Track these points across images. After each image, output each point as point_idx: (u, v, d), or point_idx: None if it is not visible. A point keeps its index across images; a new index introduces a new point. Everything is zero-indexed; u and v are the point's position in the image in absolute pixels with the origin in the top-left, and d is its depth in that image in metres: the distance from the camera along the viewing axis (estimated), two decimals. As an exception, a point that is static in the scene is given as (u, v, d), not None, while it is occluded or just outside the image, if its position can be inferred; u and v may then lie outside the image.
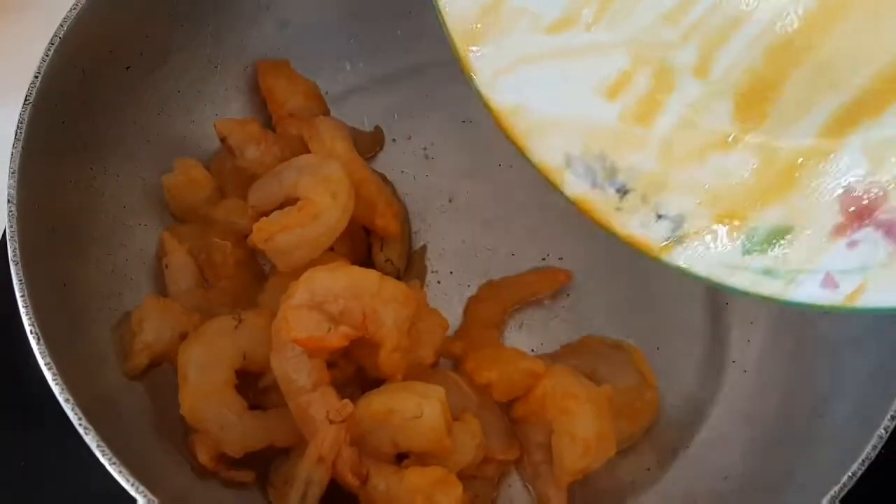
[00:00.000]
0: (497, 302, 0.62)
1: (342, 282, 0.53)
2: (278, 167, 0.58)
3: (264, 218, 0.56)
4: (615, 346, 0.60)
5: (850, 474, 0.45)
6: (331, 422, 0.50)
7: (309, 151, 0.60)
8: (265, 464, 0.54)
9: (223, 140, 0.59)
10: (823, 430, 0.52)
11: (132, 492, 0.43)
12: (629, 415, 0.58)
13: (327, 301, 0.52)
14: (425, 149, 0.67)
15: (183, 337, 0.54)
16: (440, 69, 0.69)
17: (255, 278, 0.61)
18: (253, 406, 0.54)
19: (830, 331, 0.57)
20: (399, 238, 0.62)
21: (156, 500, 0.42)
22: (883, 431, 0.46)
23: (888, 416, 0.46)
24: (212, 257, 0.60)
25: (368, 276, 0.53)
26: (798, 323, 0.59)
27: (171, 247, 0.58)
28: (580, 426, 0.53)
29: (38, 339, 0.45)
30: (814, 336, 0.58)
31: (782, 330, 0.60)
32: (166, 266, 0.58)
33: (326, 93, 0.67)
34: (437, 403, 0.51)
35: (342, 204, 0.55)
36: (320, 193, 0.55)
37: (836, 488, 0.44)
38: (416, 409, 0.51)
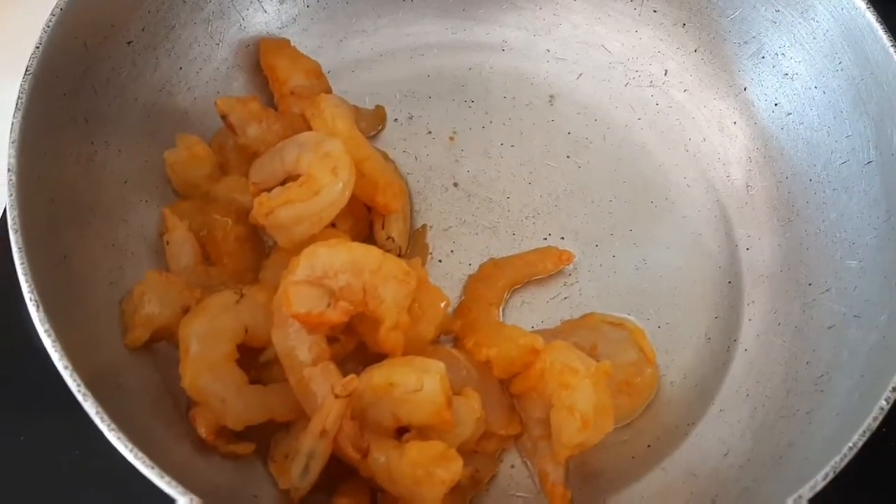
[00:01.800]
0: (497, 280, 0.62)
1: (343, 258, 0.53)
2: (280, 144, 0.58)
3: (265, 193, 0.56)
4: (616, 323, 0.60)
5: (850, 445, 0.45)
6: (336, 396, 0.50)
7: (311, 129, 0.59)
8: (265, 437, 0.54)
9: (224, 118, 0.59)
10: (824, 404, 0.52)
11: (130, 458, 0.42)
12: (628, 391, 0.58)
13: (328, 277, 0.52)
14: (428, 129, 0.67)
15: (185, 311, 0.54)
16: (442, 50, 0.69)
17: (257, 255, 0.61)
18: (254, 381, 0.54)
19: (831, 307, 0.57)
20: (400, 215, 0.62)
21: (154, 466, 0.42)
22: (884, 402, 0.46)
23: (889, 388, 0.46)
24: (213, 234, 0.60)
25: (369, 253, 0.53)
26: (799, 302, 0.59)
27: (173, 223, 0.58)
28: (578, 401, 0.53)
29: (38, 306, 0.45)
30: (815, 314, 0.58)
31: (783, 309, 0.60)
32: (167, 242, 0.58)
33: (329, 71, 0.66)
34: (438, 377, 0.51)
35: (343, 180, 0.55)
36: (321, 169, 0.55)
37: (838, 458, 0.44)
38: (416, 383, 0.51)
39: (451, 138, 0.67)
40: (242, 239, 0.60)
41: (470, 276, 0.63)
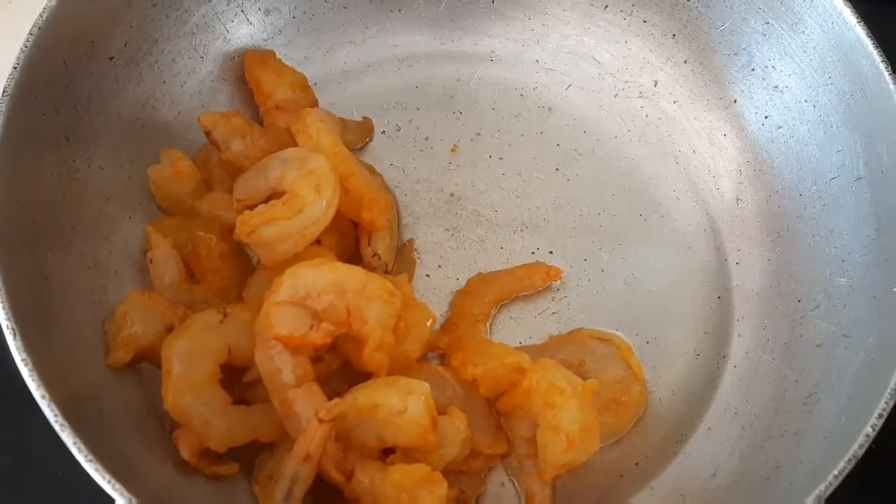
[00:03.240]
0: (484, 295, 0.61)
1: (326, 278, 0.52)
2: (264, 160, 0.58)
3: (248, 211, 0.55)
4: (604, 339, 0.60)
5: (836, 473, 0.44)
6: (320, 421, 0.50)
7: (296, 144, 0.59)
8: (250, 457, 0.54)
9: (207, 134, 0.58)
10: (812, 426, 0.51)
11: (108, 489, 0.42)
12: (615, 409, 0.57)
13: (311, 297, 0.52)
14: (415, 141, 0.67)
15: (168, 331, 0.54)
16: (430, 61, 0.69)
17: (242, 272, 0.60)
18: (238, 400, 0.53)
19: (820, 327, 0.56)
20: (387, 231, 0.61)
21: (134, 499, 0.42)
22: (870, 430, 0.45)
23: (875, 415, 0.45)
24: (197, 250, 0.59)
25: (353, 273, 0.53)
26: (788, 319, 0.59)
27: (156, 240, 0.58)
28: (564, 420, 0.52)
29: (15, 334, 0.45)
30: (804, 332, 0.57)
31: (772, 326, 0.60)
32: (151, 260, 0.58)
33: (315, 83, 0.66)
34: (422, 399, 0.51)
35: (327, 197, 0.55)
36: (305, 186, 0.55)
37: (822, 486, 0.44)
38: (400, 404, 0.51)
39: (440, 150, 0.67)
40: (227, 255, 0.60)
41: (457, 291, 0.62)
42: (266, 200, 0.56)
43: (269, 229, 0.54)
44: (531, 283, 0.62)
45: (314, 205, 0.54)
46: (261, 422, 0.53)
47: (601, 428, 0.54)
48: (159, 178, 0.59)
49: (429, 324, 0.56)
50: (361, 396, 0.52)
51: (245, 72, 0.64)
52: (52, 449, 0.44)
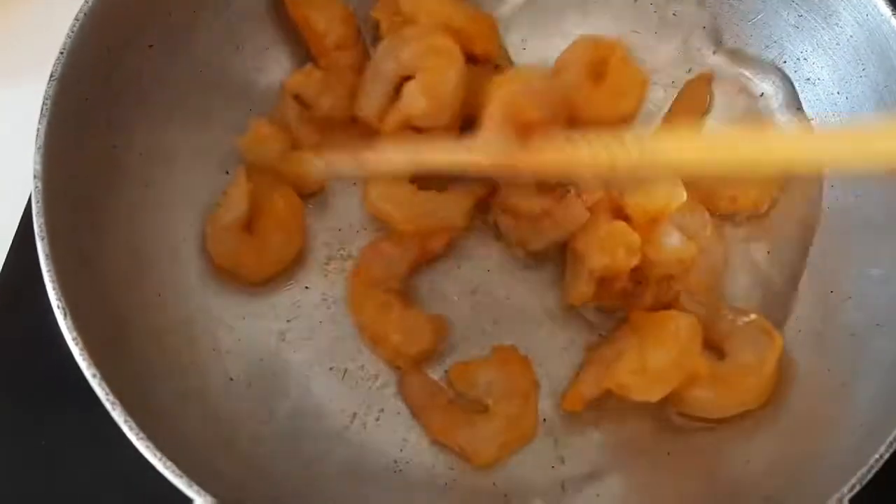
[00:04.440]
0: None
1: None
2: (375, 64, 0.59)
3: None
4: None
5: (877, 456, 0.45)
6: None
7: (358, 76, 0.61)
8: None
9: (296, 96, 0.60)
10: (847, 414, 0.52)
11: (160, 467, 0.43)
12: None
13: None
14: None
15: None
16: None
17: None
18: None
19: (853, 317, 0.57)
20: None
21: (184, 476, 0.42)
22: (909, 419, 0.45)
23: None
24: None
25: None
26: (821, 309, 0.59)
27: (240, 179, 0.59)
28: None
29: (66, 313, 0.45)
30: (836, 322, 0.58)
31: (804, 315, 0.60)
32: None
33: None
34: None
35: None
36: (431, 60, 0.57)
37: (863, 470, 0.44)
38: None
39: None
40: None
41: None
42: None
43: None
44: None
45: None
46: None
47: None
48: (249, 146, 0.60)
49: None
50: None
51: (289, 10, 0.63)
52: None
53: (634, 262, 0.55)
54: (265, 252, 0.59)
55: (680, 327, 0.55)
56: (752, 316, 0.57)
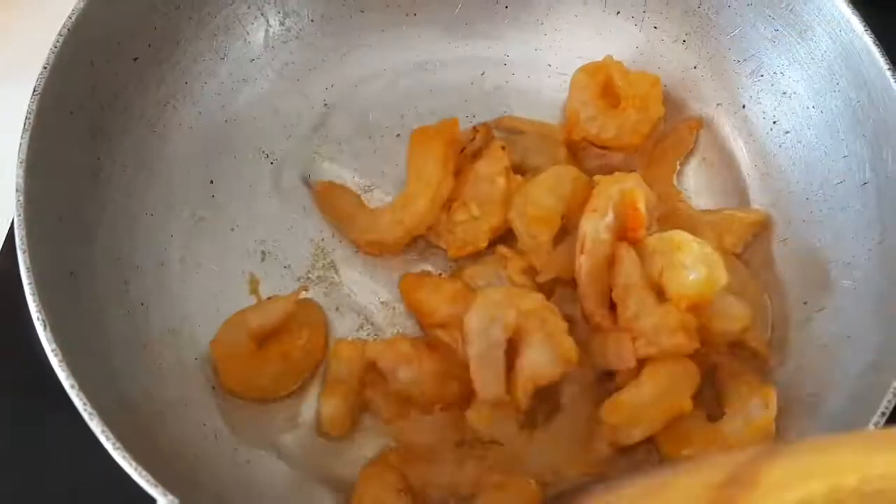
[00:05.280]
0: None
1: None
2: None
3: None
4: None
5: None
6: None
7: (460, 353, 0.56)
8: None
9: (373, 364, 0.57)
10: (815, 426, 0.53)
11: (136, 477, 0.43)
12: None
13: None
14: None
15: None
16: (444, 65, 0.70)
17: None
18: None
19: (826, 328, 0.57)
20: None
21: (159, 486, 0.43)
22: (873, 427, 0.46)
23: (878, 413, 0.47)
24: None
25: None
26: (794, 320, 0.60)
27: None
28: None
29: (45, 325, 0.46)
30: (808, 333, 0.58)
31: (778, 326, 0.60)
32: None
33: (332, 85, 0.68)
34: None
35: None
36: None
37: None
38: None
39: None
40: None
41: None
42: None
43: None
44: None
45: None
46: None
47: None
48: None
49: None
50: None
51: (404, 299, 0.61)
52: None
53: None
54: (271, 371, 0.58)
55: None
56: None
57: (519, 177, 0.62)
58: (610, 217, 0.56)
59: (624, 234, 0.57)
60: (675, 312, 0.53)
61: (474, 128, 0.64)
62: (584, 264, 0.56)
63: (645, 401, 0.53)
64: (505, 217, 0.60)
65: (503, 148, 0.62)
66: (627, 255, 0.55)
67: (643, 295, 0.55)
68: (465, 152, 0.63)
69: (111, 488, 0.55)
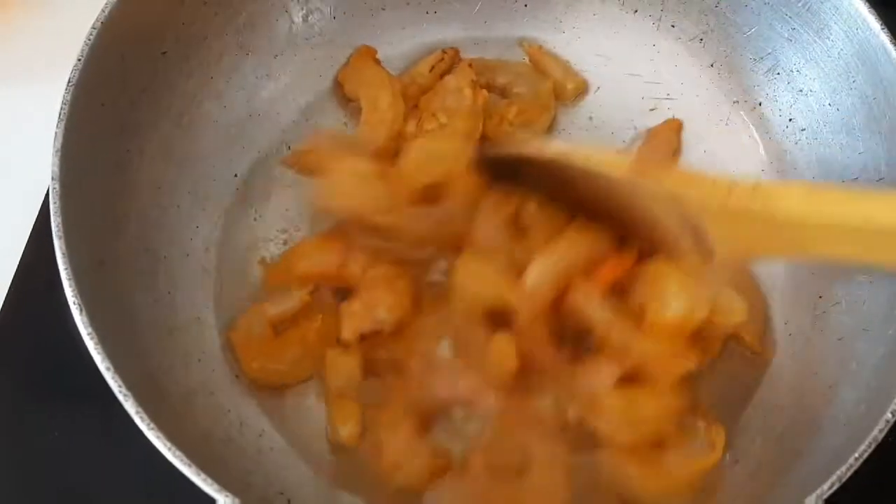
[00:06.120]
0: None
1: None
2: None
3: None
4: None
5: (856, 455, 0.46)
6: None
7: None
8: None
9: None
10: (832, 415, 0.53)
11: (170, 457, 0.44)
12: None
13: None
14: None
15: None
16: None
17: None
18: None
19: (840, 320, 0.58)
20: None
21: (193, 465, 0.44)
22: (890, 415, 0.47)
23: (895, 401, 0.47)
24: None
25: None
26: (810, 314, 0.61)
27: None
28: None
29: (81, 309, 0.47)
30: (824, 326, 0.59)
31: (794, 320, 0.61)
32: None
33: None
34: None
35: None
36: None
37: (844, 468, 0.46)
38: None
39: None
40: None
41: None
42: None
43: None
44: None
45: None
46: None
47: None
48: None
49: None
50: None
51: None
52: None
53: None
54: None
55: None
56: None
57: (485, 91, 0.65)
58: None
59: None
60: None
61: (443, 51, 0.68)
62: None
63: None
64: (473, 126, 0.64)
65: (470, 65, 0.66)
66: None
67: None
68: (433, 71, 0.67)
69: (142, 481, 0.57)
